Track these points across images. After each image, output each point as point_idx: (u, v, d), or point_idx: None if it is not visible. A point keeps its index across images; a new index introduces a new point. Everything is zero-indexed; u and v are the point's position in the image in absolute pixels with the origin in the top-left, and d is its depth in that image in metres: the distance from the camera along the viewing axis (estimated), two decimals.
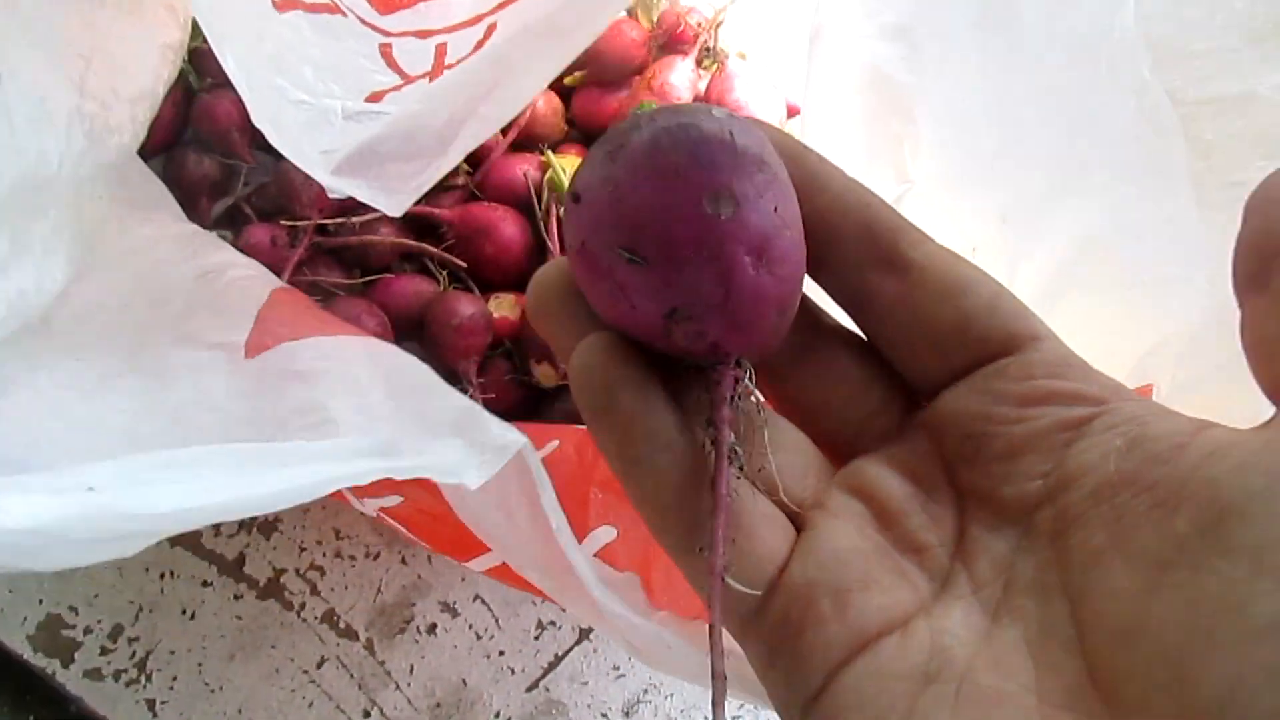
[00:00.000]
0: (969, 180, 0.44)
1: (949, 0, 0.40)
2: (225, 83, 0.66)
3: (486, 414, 0.39)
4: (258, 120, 0.44)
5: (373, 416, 0.41)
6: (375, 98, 0.49)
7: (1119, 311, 0.39)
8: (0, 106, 0.38)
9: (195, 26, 0.66)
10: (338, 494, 0.57)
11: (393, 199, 0.47)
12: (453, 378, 0.62)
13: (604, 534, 0.42)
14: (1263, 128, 0.35)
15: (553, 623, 0.64)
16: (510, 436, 0.38)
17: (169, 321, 0.42)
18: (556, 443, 0.48)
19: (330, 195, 0.45)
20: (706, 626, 0.39)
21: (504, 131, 0.65)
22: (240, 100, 0.64)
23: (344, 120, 0.47)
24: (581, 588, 0.37)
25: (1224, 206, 0.35)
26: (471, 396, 0.61)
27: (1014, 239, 0.42)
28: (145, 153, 0.65)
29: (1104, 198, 0.39)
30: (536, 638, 0.64)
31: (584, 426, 0.49)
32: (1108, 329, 0.40)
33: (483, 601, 0.64)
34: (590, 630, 0.64)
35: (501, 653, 0.64)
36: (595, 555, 0.41)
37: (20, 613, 0.61)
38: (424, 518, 0.47)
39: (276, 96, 0.45)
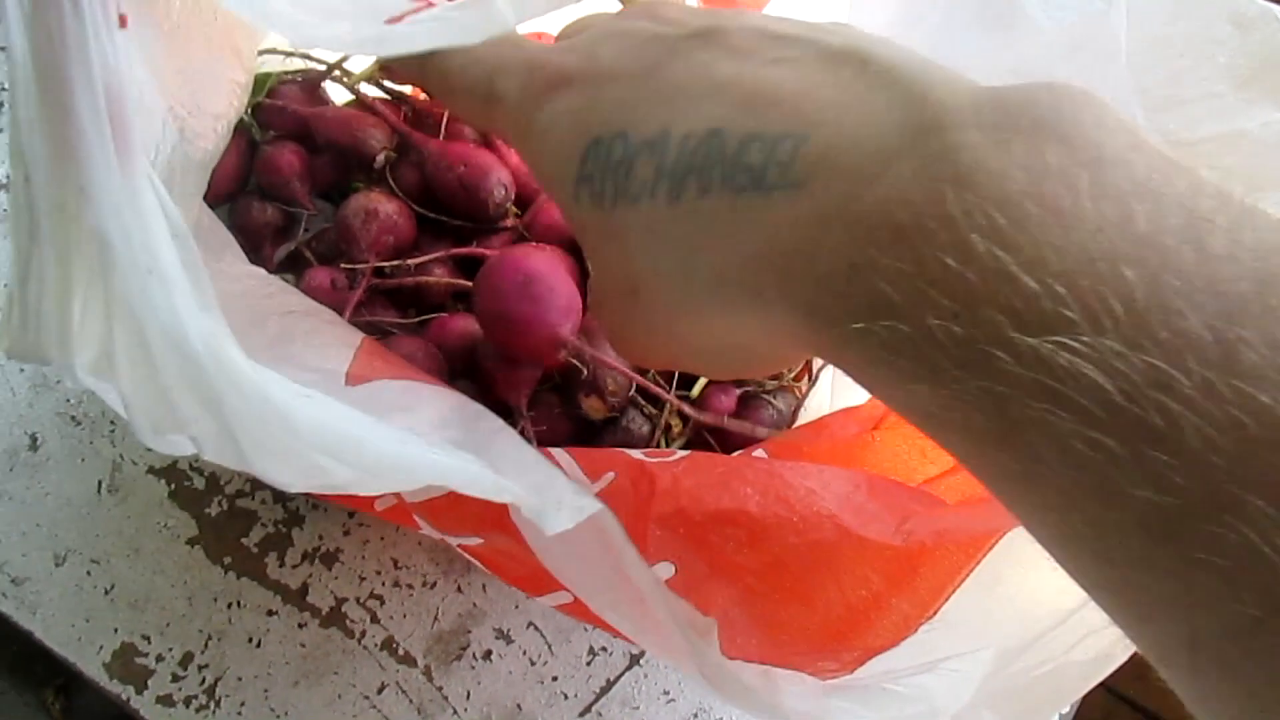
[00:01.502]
0: None
1: (952, 49, 0.43)
2: (287, 135, 0.70)
3: (566, 480, 0.42)
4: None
5: (467, 448, 0.44)
6: None
7: None
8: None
9: (258, 83, 0.71)
10: (400, 520, 0.59)
11: None
12: (504, 411, 0.64)
13: (662, 570, 0.44)
14: (1254, 162, 0.37)
15: (604, 649, 0.67)
16: (584, 501, 0.40)
17: (265, 343, 0.45)
18: (613, 475, 0.50)
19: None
20: (775, 670, 0.41)
21: None
22: (301, 151, 0.69)
23: None
24: (660, 631, 0.39)
25: None
26: (523, 429, 0.63)
27: None
28: (211, 201, 0.69)
29: None
30: (588, 663, 0.67)
31: (639, 457, 0.51)
32: None
33: (536, 628, 0.67)
34: (641, 656, 0.67)
35: (555, 678, 0.66)
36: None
37: (97, 642, 0.65)
38: (501, 557, 0.49)
39: None
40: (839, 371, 0.59)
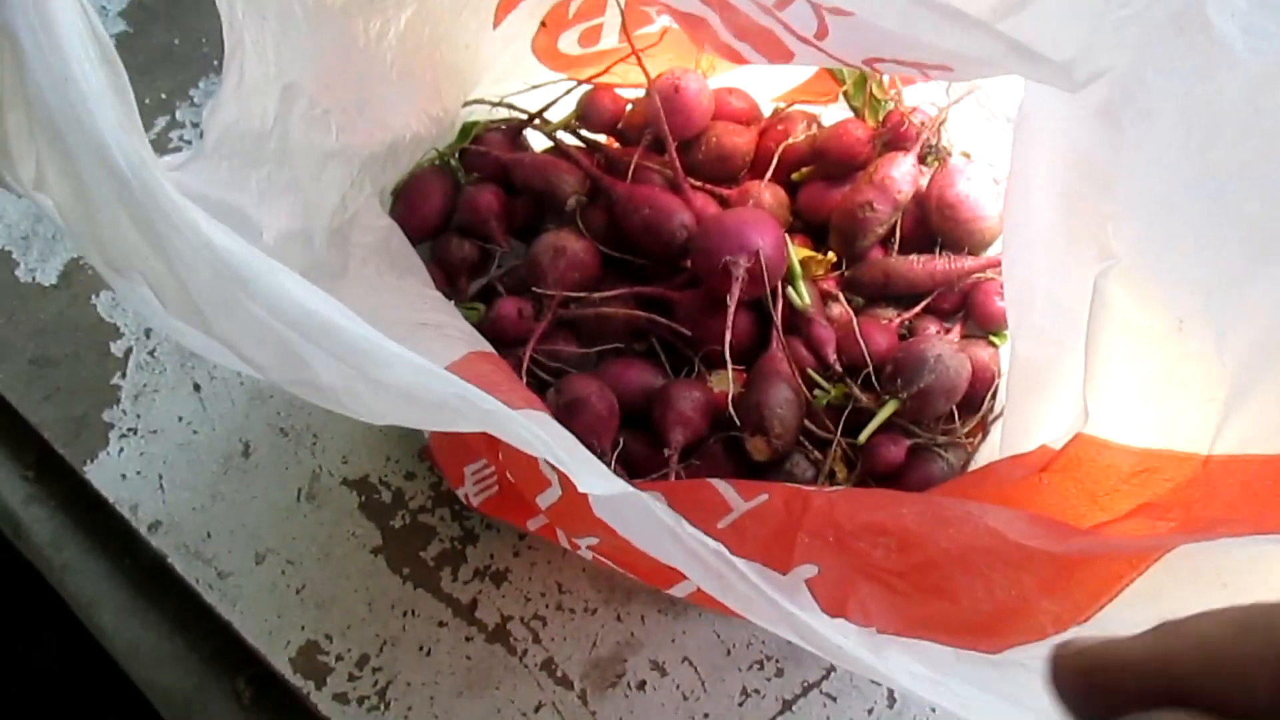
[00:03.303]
0: (1174, 255, 0.45)
1: (1153, 81, 0.42)
2: (488, 178, 0.74)
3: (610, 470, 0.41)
4: None
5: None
6: None
7: None
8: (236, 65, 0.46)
9: (465, 131, 0.75)
10: (547, 534, 0.60)
11: None
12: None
13: (806, 570, 0.44)
14: None
15: (757, 691, 0.66)
16: (619, 483, 0.39)
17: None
18: (765, 496, 0.51)
19: None
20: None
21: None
22: (500, 193, 0.73)
23: None
24: (750, 598, 0.38)
25: None
26: (674, 473, 0.63)
27: (1220, 312, 0.43)
28: (417, 236, 0.74)
29: None
30: (740, 704, 0.66)
31: (795, 485, 0.51)
32: None
33: (690, 664, 0.67)
34: (793, 702, 0.65)
35: (706, 715, 0.66)
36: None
37: (285, 637, 0.69)
38: (622, 553, 0.49)
39: None
40: (1010, 425, 0.57)
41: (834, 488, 0.52)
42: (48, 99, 0.27)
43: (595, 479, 0.35)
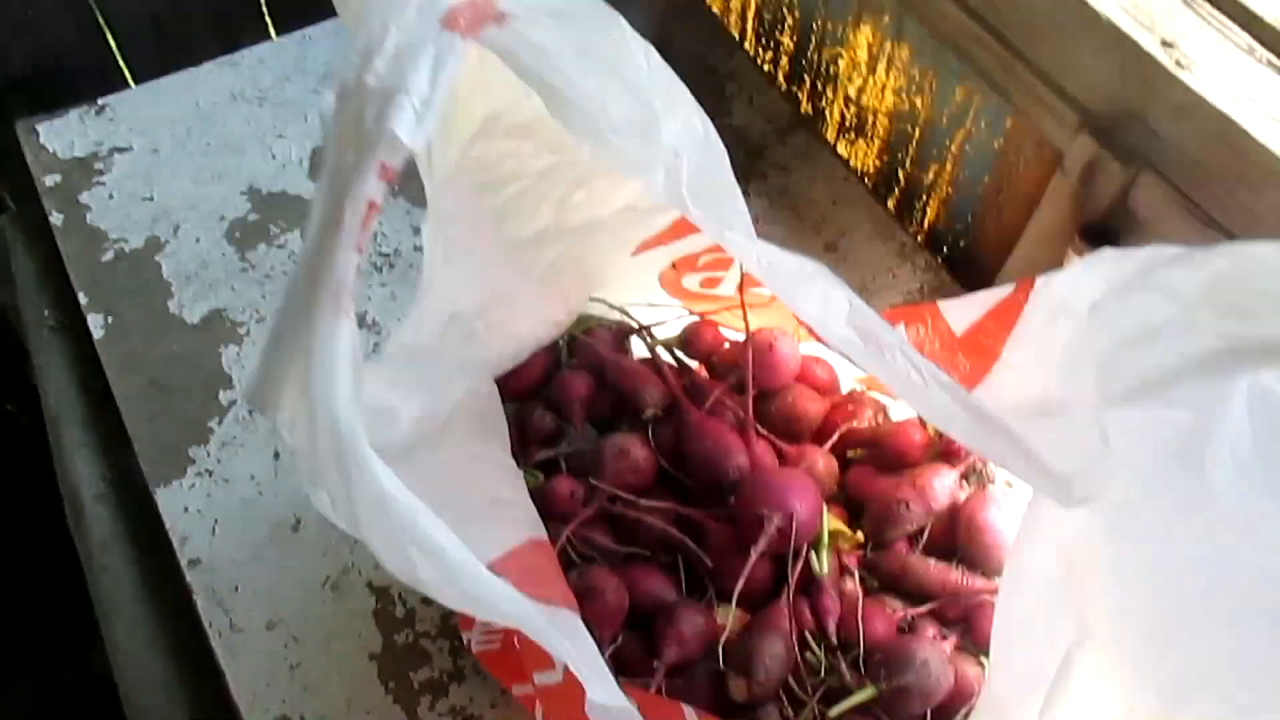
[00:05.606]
0: (1139, 653, 0.49)
1: (1156, 505, 0.47)
2: (586, 367, 0.82)
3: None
4: None
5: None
6: None
7: None
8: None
9: (580, 321, 0.84)
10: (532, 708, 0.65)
11: None
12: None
13: None
14: None
15: None
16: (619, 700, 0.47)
17: (452, 504, 0.55)
18: None
19: None
20: None
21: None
22: (591, 383, 0.80)
23: None
24: None
25: None
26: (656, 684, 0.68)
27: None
28: (509, 395, 0.82)
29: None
30: None
31: None
32: None
33: None
34: None
35: None
36: None
37: (266, 704, 0.75)
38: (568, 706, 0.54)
39: None
40: None
41: None
42: (315, 384, 0.45)
43: (605, 691, 0.42)
